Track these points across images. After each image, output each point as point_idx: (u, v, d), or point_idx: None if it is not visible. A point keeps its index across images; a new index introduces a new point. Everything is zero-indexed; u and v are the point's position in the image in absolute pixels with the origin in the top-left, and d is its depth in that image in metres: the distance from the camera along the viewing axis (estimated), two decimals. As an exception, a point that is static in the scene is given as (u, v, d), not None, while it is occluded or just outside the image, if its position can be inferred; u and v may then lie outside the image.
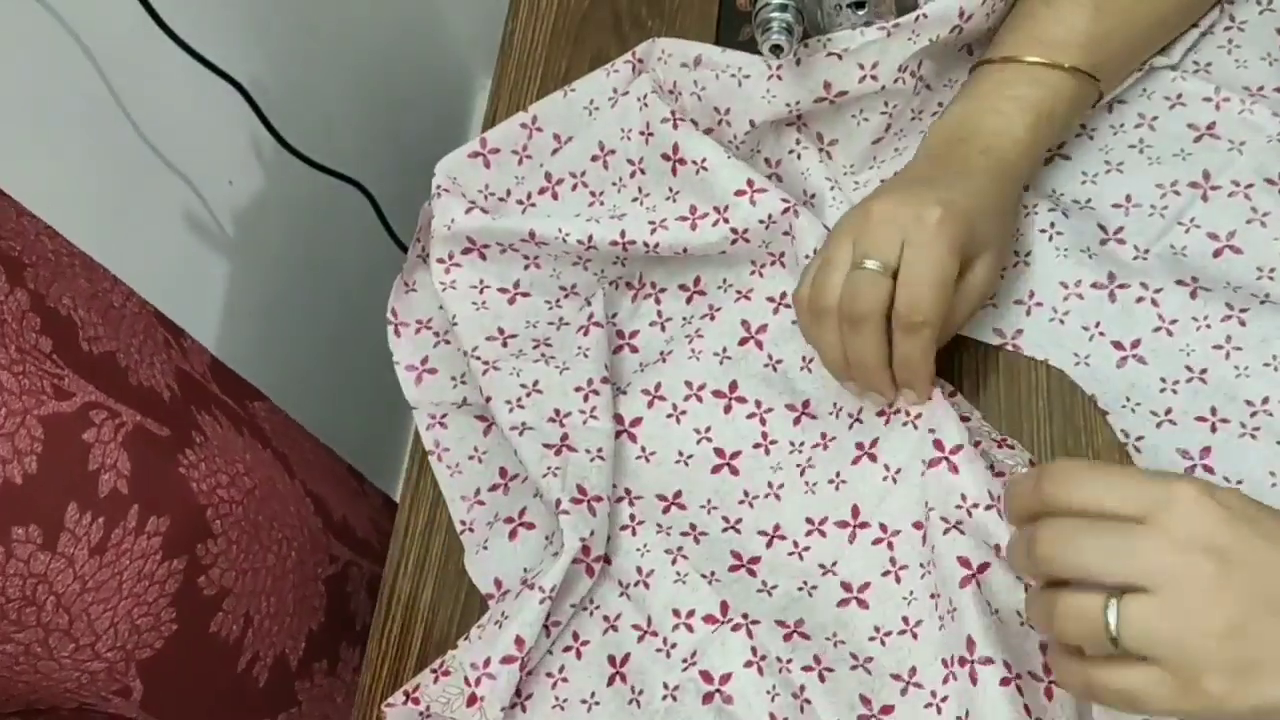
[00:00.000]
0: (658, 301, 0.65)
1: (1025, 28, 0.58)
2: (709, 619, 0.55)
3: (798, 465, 0.58)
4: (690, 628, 0.55)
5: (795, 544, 0.56)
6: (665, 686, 0.54)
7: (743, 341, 0.62)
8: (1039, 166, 0.60)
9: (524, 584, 0.56)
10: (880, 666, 0.52)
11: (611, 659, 0.56)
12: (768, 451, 0.59)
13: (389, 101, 1.24)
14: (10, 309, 0.55)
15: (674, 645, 0.55)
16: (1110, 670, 0.41)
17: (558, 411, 0.60)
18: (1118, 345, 0.56)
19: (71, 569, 0.56)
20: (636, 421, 0.61)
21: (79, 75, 0.75)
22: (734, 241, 0.60)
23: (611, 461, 0.59)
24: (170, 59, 0.80)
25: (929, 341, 0.52)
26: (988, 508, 0.51)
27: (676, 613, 0.56)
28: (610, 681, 0.56)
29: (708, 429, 0.60)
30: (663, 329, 0.64)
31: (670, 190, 0.62)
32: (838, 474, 0.57)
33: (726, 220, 0.60)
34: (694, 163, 0.61)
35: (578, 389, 0.61)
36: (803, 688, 0.52)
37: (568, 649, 0.57)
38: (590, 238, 0.61)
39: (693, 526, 0.58)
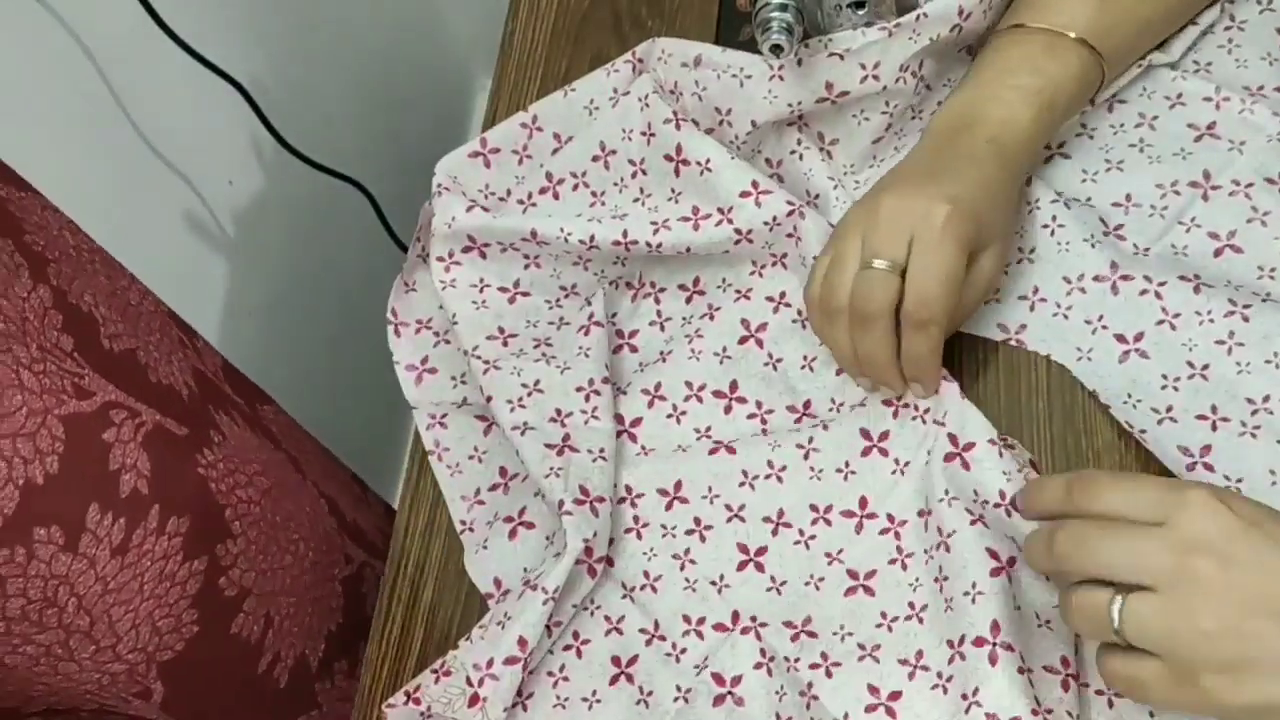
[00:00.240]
0: (657, 301, 0.65)
1: (1034, 2, 0.58)
2: (719, 627, 0.55)
3: (798, 445, 0.58)
4: (700, 635, 0.55)
5: (801, 532, 0.57)
6: (678, 689, 0.54)
7: (742, 340, 0.62)
8: (1041, 156, 0.61)
9: (526, 585, 0.56)
10: (888, 653, 0.53)
11: (615, 659, 0.56)
12: (765, 434, 0.59)
13: (389, 101, 1.24)
14: (33, 306, 0.54)
15: (684, 650, 0.55)
16: (1124, 660, 0.44)
17: (559, 411, 0.60)
18: (1120, 338, 0.56)
19: (93, 570, 0.55)
20: (637, 422, 0.61)
21: (79, 75, 0.75)
22: (737, 242, 0.60)
23: (613, 462, 0.59)
24: (170, 59, 0.80)
25: (937, 338, 0.53)
26: (996, 505, 0.52)
27: (687, 619, 0.56)
28: (613, 681, 0.56)
29: (708, 429, 0.60)
30: (662, 328, 0.64)
31: (673, 191, 0.62)
32: (846, 464, 0.57)
33: (730, 221, 0.60)
34: (698, 164, 0.61)
35: (579, 389, 0.61)
36: (810, 685, 0.53)
37: (568, 648, 0.57)
38: (592, 237, 0.61)
39: (697, 521, 0.58)
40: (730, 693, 0.53)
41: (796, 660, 0.53)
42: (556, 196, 0.65)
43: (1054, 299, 0.58)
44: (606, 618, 0.57)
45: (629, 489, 0.60)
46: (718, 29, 0.72)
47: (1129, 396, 0.55)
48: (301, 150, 0.96)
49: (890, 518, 0.56)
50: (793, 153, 0.63)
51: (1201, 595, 0.41)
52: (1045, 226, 0.59)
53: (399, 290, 0.68)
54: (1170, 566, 0.42)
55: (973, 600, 0.50)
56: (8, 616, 0.53)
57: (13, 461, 0.51)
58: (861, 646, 0.53)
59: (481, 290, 0.65)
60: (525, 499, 0.61)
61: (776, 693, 0.52)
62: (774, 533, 0.57)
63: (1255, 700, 0.40)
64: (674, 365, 0.62)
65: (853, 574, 0.55)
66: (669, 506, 0.59)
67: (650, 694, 0.55)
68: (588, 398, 0.60)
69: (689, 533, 0.58)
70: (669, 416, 0.61)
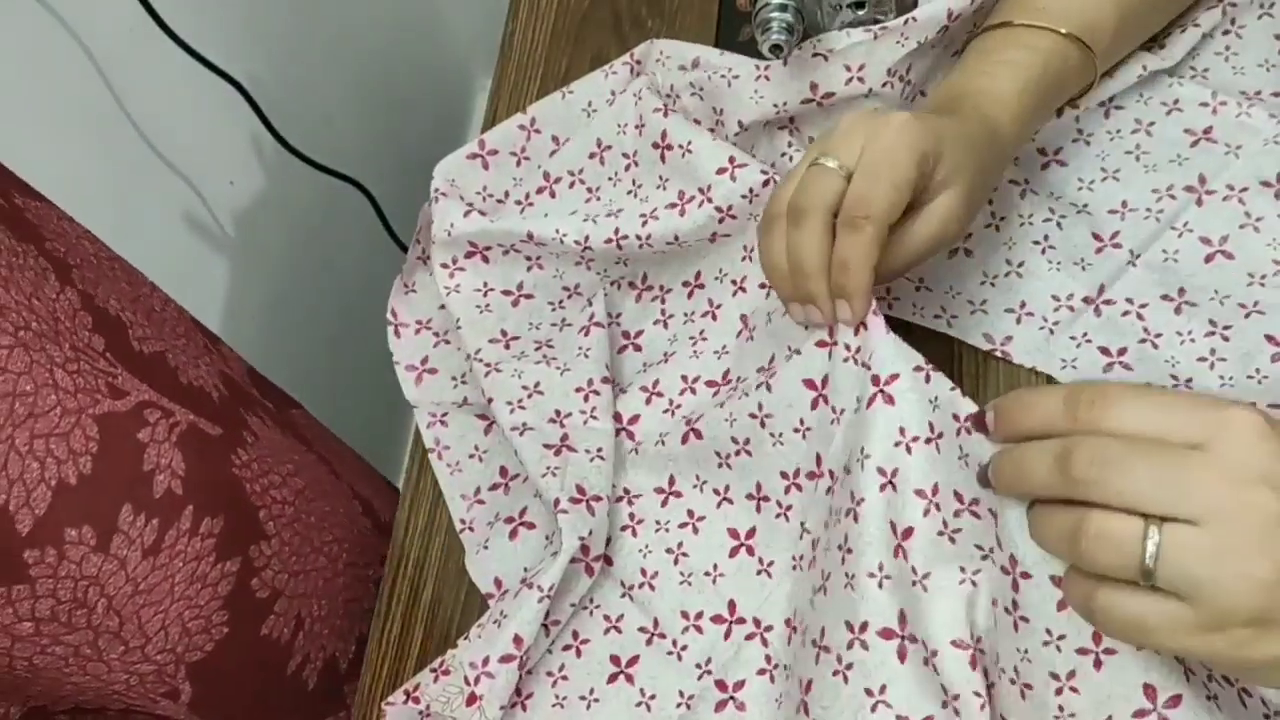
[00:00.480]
0: (662, 300, 0.65)
1: (1021, 1, 0.58)
2: (717, 619, 0.55)
3: (751, 415, 0.55)
4: (700, 629, 0.56)
5: (779, 504, 0.56)
6: (681, 695, 0.55)
7: (739, 334, 0.62)
8: (1027, 136, 0.60)
9: (523, 583, 0.56)
10: (807, 636, 0.50)
11: (615, 659, 0.56)
12: (723, 405, 0.57)
13: (389, 101, 1.25)
14: (62, 307, 0.54)
15: (684, 648, 0.56)
16: (1127, 596, 0.37)
17: (558, 412, 0.61)
18: (1104, 351, 0.57)
19: (123, 571, 0.55)
20: (634, 419, 0.62)
21: (79, 75, 0.75)
22: (720, 220, 0.60)
23: (611, 462, 0.59)
24: (170, 59, 0.80)
25: (870, 243, 0.48)
26: (928, 441, 0.47)
27: (685, 614, 0.56)
28: (611, 679, 0.56)
29: (699, 417, 0.61)
30: (666, 326, 0.64)
31: (660, 179, 0.63)
32: (801, 421, 0.54)
33: (710, 200, 0.60)
34: (679, 146, 0.61)
35: (578, 390, 0.61)
36: (810, 683, 0.53)
37: (567, 648, 0.57)
38: (586, 238, 0.61)
39: (690, 514, 0.58)
40: (732, 698, 0.53)
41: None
42: (554, 195, 0.66)
43: (1041, 314, 0.58)
44: (605, 617, 0.57)
45: (627, 490, 0.60)
46: (718, 29, 0.72)
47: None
48: (302, 150, 0.96)
49: (832, 474, 0.52)
50: (783, 155, 0.63)
51: (1257, 536, 0.35)
52: (1037, 244, 0.60)
53: (399, 291, 0.69)
54: (1223, 499, 0.36)
55: (879, 585, 0.47)
56: (37, 617, 0.53)
57: (45, 461, 0.51)
58: (850, 630, 0.49)
59: (485, 294, 0.65)
60: (526, 499, 0.61)
61: (776, 700, 0.52)
62: (757, 509, 0.57)
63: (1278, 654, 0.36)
64: (674, 364, 0.62)
65: (816, 545, 0.53)
66: (664, 503, 0.59)
67: (653, 697, 0.55)
68: (587, 398, 0.60)
69: (682, 526, 0.58)
70: (665, 411, 0.61)
